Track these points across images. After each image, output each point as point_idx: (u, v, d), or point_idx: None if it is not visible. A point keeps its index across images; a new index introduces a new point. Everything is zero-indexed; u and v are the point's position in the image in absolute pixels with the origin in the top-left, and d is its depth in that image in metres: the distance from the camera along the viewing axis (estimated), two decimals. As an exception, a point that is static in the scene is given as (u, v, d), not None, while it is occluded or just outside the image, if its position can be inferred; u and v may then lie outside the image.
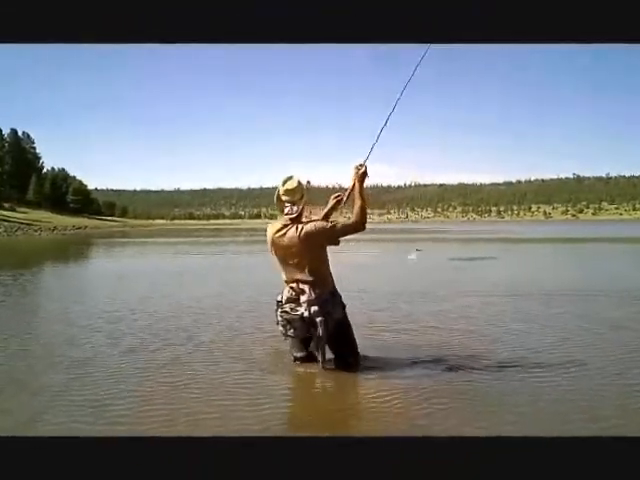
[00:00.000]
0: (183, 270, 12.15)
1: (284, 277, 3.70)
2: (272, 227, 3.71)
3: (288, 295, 3.63)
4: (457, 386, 3.41)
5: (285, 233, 3.59)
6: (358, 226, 3.62)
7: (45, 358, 4.21)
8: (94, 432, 2.71)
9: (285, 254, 3.62)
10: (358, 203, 3.61)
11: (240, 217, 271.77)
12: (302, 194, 3.67)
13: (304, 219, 3.69)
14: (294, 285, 3.60)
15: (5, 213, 68.42)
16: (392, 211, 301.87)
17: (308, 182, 3.82)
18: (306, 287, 3.56)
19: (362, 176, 3.66)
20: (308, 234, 3.53)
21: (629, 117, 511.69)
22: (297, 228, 3.56)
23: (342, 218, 3.96)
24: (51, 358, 4.20)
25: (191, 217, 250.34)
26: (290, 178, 3.70)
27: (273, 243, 3.66)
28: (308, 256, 3.57)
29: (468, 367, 3.80)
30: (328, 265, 3.72)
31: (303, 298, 3.54)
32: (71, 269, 13.81)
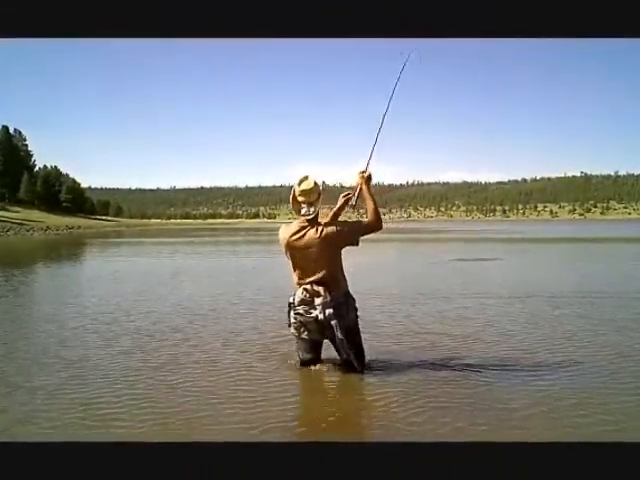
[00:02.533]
0: (179, 272, 11.66)
1: (297, 279, 3.66)
2: (287, 229, 3.68)
3: (302, 297, 3.58)
4: (464, 390, 3.39)
5: (303, 235, 3.57)
6: (375, 225, 3.69)
7: (36, 360, 4.15)
8: (91, 436, 2.66)
9: (302, 256, 3.59)
10: (370, 204, 3.69)
11: (238, 216, 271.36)
12: (319, 195, 3.65)
13: (320, 220, 3.70)
14: (308, 287, 3.56)
15: (-3, 212, 67.36)
16: (394, 210, 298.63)
17: (323, 182, 3.80)
18: (321, 289, 3.53)
19: (367, 180, 3.74)
20: (329, 235, 3.55)
21: (638, 114, 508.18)
22: (317, 229, 3.56)
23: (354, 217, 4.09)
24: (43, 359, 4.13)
25: (187, 216, 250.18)
26: (306, 178, 3.68)
27: (288, 245, 3.63)
28: (326, 258, 3.57)
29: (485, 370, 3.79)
30: (342, 267, 3.72)
31: (318, 301, 3.52)
32: (65, 270, 13.26)
